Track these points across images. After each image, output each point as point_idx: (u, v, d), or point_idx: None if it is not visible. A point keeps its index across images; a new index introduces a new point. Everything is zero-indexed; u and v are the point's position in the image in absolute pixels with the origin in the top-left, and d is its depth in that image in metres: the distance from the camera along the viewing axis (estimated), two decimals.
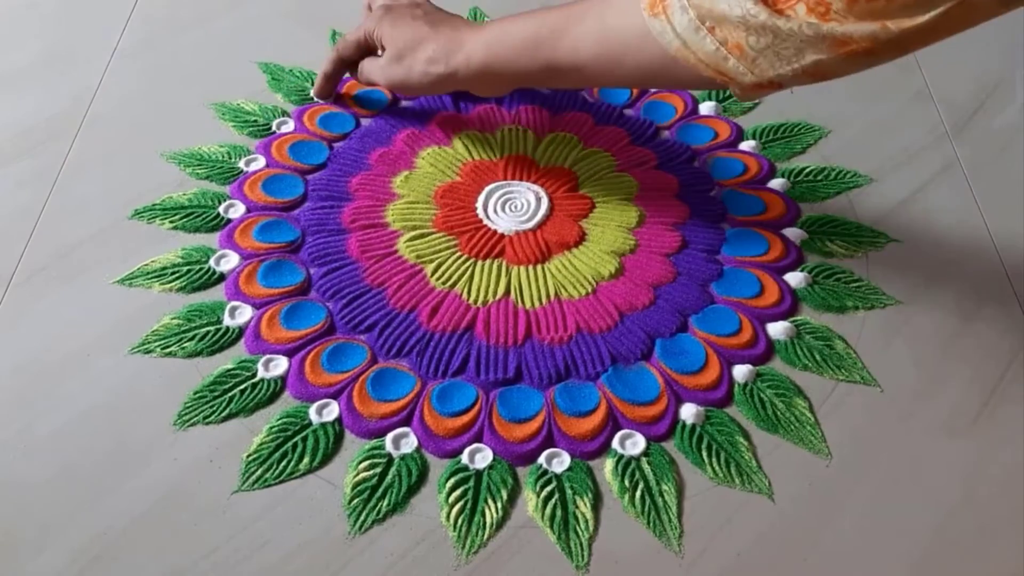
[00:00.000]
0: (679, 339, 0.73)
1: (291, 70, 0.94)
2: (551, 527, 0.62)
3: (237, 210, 0.81)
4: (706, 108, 0.92)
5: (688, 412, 0.68)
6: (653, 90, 0.94)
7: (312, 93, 0.91)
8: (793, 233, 0.81)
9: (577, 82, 0.79)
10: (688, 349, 0.72)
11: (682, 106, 0.92)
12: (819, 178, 0.86)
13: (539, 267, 0.77)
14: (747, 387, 0.70)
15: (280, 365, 0.70)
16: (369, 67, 0.84)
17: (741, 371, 0.70)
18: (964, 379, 0.71)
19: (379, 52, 0.83)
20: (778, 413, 0.68)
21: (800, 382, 0.71)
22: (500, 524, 0.63)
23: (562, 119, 0.90)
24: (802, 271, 0.78)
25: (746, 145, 0.88)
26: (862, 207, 0.83)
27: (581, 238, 0.79)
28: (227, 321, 0.73)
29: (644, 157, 0.87)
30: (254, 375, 0.69)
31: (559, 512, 0.63)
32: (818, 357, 0.72)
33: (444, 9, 0.81)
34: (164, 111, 0.90)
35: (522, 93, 0.92)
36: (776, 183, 0.85)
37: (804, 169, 0.86)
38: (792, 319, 0.74)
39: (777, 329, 0.73)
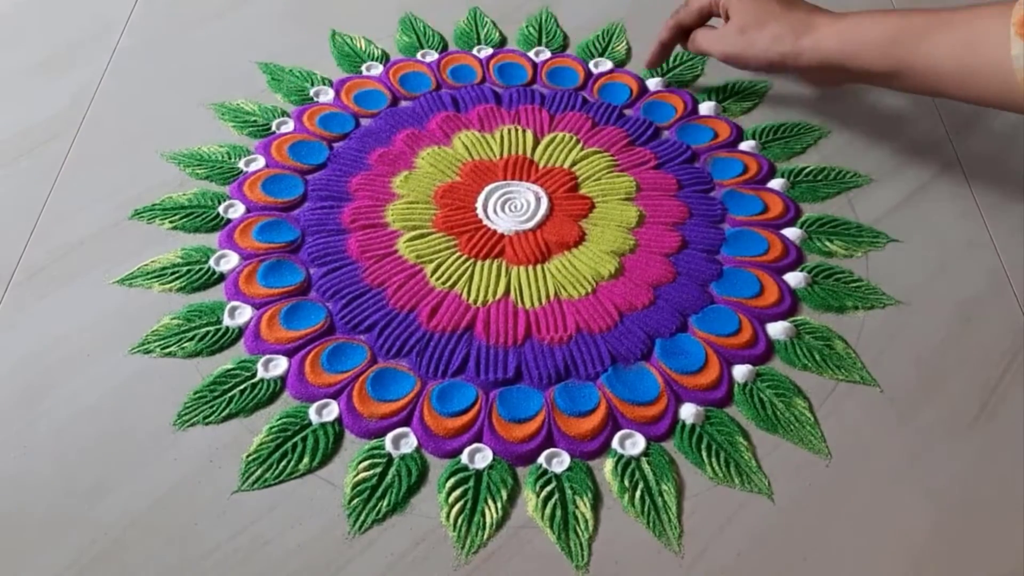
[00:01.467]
0: (679, 339, 0.73)
1: (291, 70, 0.94)
2: (551, 527, 0.62)
3: (237, 210, 0.81)
4: (706, 108, 0.92)
5: (688, 412, 0.68)
6: (653, 89, 0.94)
7: (645, 64, 0.93)
8: (793, 233, 0.80)
9: (924, 88, 0.75)
10: (688, 349, 0.72)
11: (682, 106, 0.92)
12: (819, 178, 0.86)
13: (539, 267, 0.77)
14: (747, 387, 0.70)
15: (280, 365, 0.70)
16: (705, 37, 0.85)
17: (741, 371, 0.70)
18: (964, 379, 0.71)
19: (722, 22, 0.84)
20: (778, 413, 0.68)
21: (800, 382, 0.71)
22: (500, 524, 0.63)
23: (562, 119, 0.90)
24: (802, 271, 0.77)
25: (746, 145, 0.88)
26: (862, 207, 0.83)
27: (581, 238, 0.79)
28: (227, 321, 0.73)
29: (644, 157, 0.87)
30: (254, 375, 0.69)
31: (559, 512, 0.63)
32: (818, 357, 0.72)
33: None
34: (164, 111, 0.90)
35: (521, 93, 0.92)
36: (776, 183, 0.85)
37: (804, 169, 0.86)
38: (792, 319, 0.74)
39: (777, 329, 0.73)
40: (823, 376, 0.71)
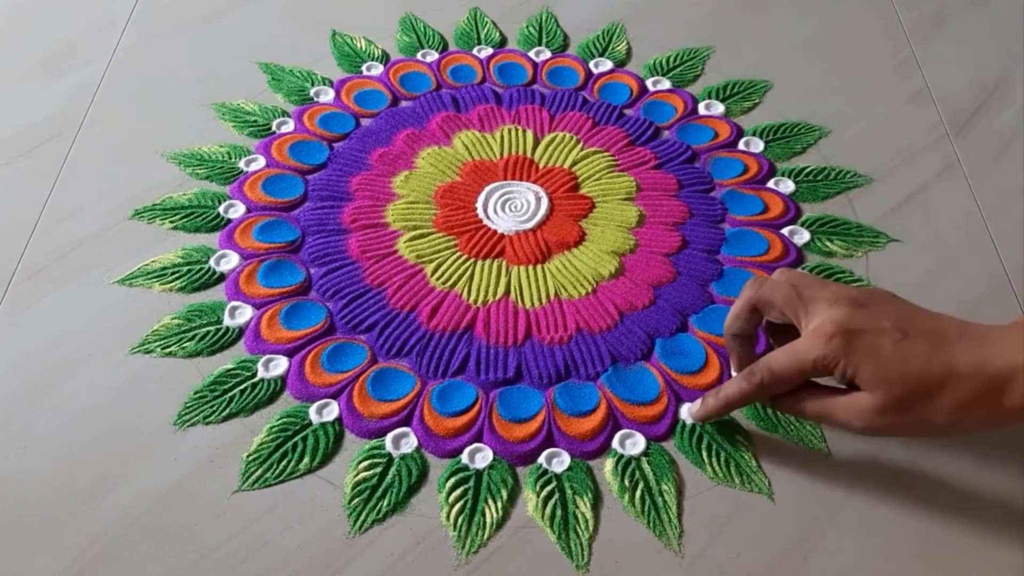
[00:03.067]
0: (679, 339, 0.73)
1: (291, 70, 0.94)
2: (551, 527, 0.62)
3: (237, 210, 0.81)
4: (705, 108, 0.92)
5: (688, 412, 0.68)
6: (652, 89, 0.94)
7: (696, 418, 0.68)
8: (794, 233, 0.80)
9: None
10: (688, 349, 0.72)
11: (682, 106, 0.92)
12: (819, 178, 0.85)
13: (539, 267, 0.77)
14: None
15: (280, 365, 0.70)
16: (842, 409, 0.58)
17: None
18: None
19: (839, 378, 0.58)
20: (778, 413, 0.68)
21: None
22: (500, 524, 0.63)
23: (562, 119, 0.90)
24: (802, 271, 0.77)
25: (746, 145, 0.88)
26: (862, 207, 0.83)
27: (581, 238, 0.79)
28: (227, 321, 0.73)
29: (644, 157, 0.87)
30: (254, 375, 0.70)
31: (559, 512, 0.63)
32: None
33: (922, 308, 0.59)
34: (164, 111, 0.90)
35: (521, 93, 0.92)
36: (776, 183, 0.85)
37: (804, 169, 0.86)
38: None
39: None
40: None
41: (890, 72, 0.97)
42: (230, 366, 0.70)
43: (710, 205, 0.83)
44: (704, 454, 0.66)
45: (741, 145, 0.88)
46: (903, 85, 0.95)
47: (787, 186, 0.84)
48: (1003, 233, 0.81)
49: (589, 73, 0.95)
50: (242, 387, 0.69)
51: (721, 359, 0.71)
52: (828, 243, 0.80)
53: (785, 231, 0.81)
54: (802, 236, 0.80)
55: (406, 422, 0.67)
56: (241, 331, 0.72)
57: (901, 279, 0.77)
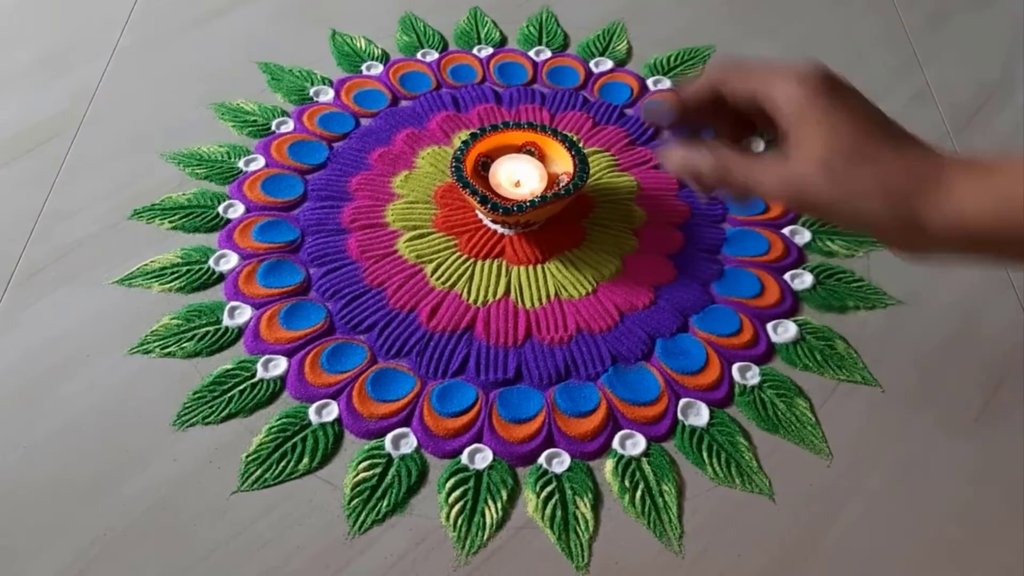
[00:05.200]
0: (679, 339, 0.73)
1: (291, 70, 0.94)
2: (551, 527, 0.62)
3: (236, 210, 0.81)
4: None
5: (694, 412, 0.68)
6: (653, 88, 0.93)
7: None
8: (795, 233, 0.80)
9: None
10: (688, 349, 0.72)
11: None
12: None
13: (539, 267, 0.77)
14: (748, 388, 0.70)
15: (279, 365, 0.70)
16: (748, 164, 0.51)
17: (742, 372, 0.70)
18: (965, 379, 0.71)
19: (761, 137, 0.55)
20: (779, 413, 0.68)
21: (801, 382, 0.70)
22: (500, 524, 0.62)
23: (562, 119, 0.90)
24: (804, 270, 0.77)
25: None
26: None
27: (581, 238, 0.79)
28: (226, 321, 0.73)
29: (644, 156, 0.86)
30: (253, 375, 0.69)
31: (559, 512, 0.63)
32: (819, 357, 0.72)
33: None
34: (164, 111, 0.90)
35: (522, 92, 0.92)
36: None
37: None
38: (794, 319, 0.74)
39: (787, 334, 0.73)
40: (824, 376, 0.71)
41: (890, 72, 0.97)
42: (229, 366, 0.70)
43: (711, 205, 0.83)
44: (705, 454, 0.66)
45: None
46: (903, 85, 0.95)
47: None
48: None
49: (589, 73, 0.95)
50: (241, 387, 0.69)
51: (722, 360, 0.71)
52: (829, 243, 0.80)
53: (786, 231, 0.81)
54: (803, 236, 0.80)
55: (406, 422, 0.67)
56: (240, 331, 0.72)
57: (902, 279, 0.77)
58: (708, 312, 0.74)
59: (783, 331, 0.73)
